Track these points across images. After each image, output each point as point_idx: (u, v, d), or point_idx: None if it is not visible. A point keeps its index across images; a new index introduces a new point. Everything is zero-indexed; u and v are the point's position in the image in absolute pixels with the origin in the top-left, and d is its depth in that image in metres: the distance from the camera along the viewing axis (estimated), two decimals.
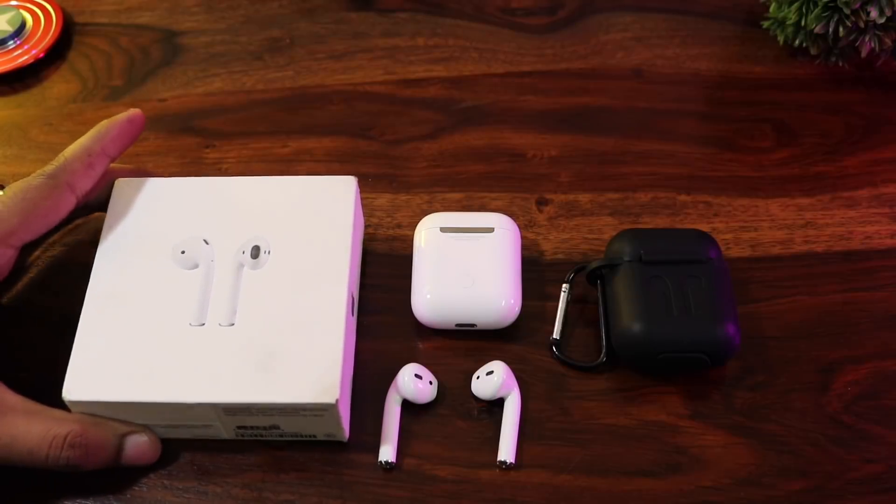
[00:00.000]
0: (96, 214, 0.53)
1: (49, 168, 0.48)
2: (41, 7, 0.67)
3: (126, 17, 0.68)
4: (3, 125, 0.62)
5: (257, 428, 0.45)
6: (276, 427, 0.45)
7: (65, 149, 0.49)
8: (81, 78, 0.64)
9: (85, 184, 0.48)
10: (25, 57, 0.64)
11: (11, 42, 0.65)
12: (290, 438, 0.46)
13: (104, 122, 0.50)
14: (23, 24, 0.66)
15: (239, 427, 0.45)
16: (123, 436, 0.45)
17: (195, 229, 0.49)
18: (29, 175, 0.48)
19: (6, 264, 0.47)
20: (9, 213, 0.46)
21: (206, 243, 0.48)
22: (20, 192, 0.47)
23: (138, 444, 0.45)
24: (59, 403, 0.44)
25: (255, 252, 0.48)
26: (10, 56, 0.64)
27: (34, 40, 0.65)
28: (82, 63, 0.65)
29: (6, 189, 0.47)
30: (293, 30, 0.67)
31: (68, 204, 0.48)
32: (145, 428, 0.45)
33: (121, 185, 0.51)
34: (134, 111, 0.51)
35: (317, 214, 0.49)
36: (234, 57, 0.65)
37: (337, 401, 0.43)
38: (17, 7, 0.67)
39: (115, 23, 0.68)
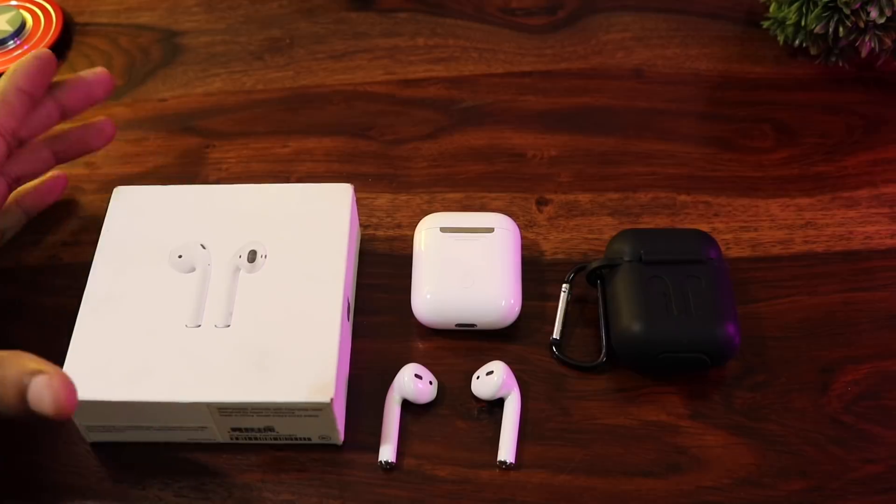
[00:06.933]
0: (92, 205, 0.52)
1: None
2: (41, 7, 0.67)
3: (126, 17, 0.68)
4: None
5: (252, 430, 0.45)
6: (270, 429, 0.45)
7: None
8: None
9: (7, 122, 0.47)
10: None
11: (11, 42, 0.65)
12: (285, 441, 0.46)
13: (13, 64, 0.49)
14: (23, 24, 0.66)
15: (233, 429, 0.45)
16: (31, 373, 0.38)
17: (192, 235, 0.49)
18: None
19: None
20: None
21: (204, 248, 0.48)
22: None
23: (42, 382, 0.38)
24: None
25: (252, 256, 0.48)
26: (10, 56, 0.64)
27: (34, 40, 0.65)
28: (82, 63, 0.65)
29: None
30: (293, 30, 0.67)
31: None
32: (58, 368, 0.39)
33: (119, 192, 0.51)
34: (41, 50, 0.49)
35: (314, 221, 0.49)
36: (234, 57, 0.65)
37: (332, 400, 0.43)
38: (17, 7, 0.67)
39: (115, 23, 0.68)
